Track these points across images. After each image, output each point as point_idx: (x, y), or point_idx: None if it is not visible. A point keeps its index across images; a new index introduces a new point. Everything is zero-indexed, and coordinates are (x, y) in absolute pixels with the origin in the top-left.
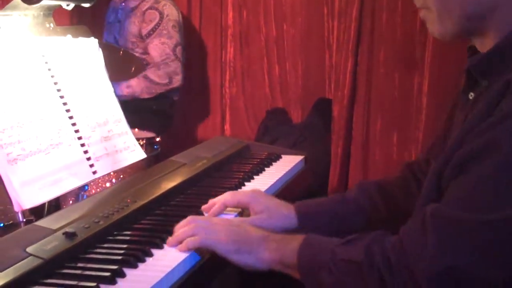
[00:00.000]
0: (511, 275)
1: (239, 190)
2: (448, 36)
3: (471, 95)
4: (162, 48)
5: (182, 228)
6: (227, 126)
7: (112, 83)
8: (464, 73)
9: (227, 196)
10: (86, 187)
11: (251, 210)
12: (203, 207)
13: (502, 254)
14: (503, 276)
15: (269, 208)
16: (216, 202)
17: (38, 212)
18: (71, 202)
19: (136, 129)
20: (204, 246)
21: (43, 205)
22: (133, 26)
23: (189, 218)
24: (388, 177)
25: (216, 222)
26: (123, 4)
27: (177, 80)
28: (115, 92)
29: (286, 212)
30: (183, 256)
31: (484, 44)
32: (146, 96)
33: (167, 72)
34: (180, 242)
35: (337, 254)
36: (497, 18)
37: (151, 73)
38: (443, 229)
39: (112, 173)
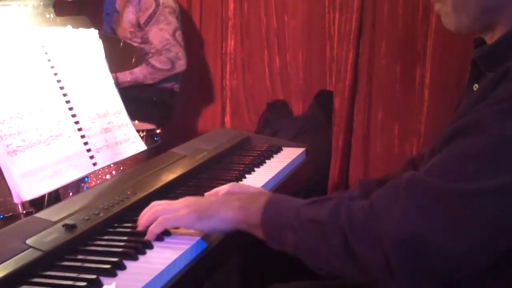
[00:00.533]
0: (476, 252)
1: (241, 182)
2: (464, 29)
3: (475, 87)
4: (161, 35)
5: (145, 214)
6: (227, 118)
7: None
8: (470, 64)
9: (233, 187)
10: (86, 179)
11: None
12: (207, 194)
13: (471, 229)
14: (469, 253)
15: None
16: (220, 190)
17: (38, 204)
18: (71, 194)
19: (137, 121)
20: (168, 226)
21: (43, 197)
22: (130, 15)
23: (152, 204)
24: (390, 173)
25: (176, 202)
26: None
27: (181, 65)
28: (118, 78)
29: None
30: (183, 248)
31: (493, 38)
32: (150, 82)
33: (169, 57)
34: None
35: (301, 214)
36: (508, 10)
37: (153, 60)
38: (417, 194)
39: (112, 165)
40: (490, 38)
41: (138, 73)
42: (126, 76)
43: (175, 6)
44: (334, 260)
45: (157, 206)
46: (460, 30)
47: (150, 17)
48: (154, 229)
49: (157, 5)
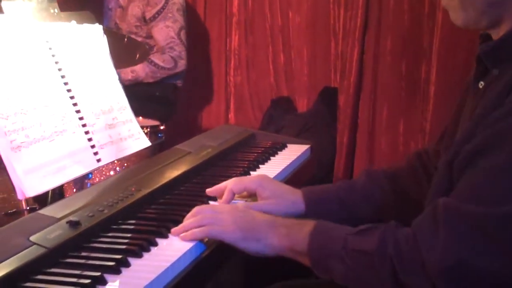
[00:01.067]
0: None
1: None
2: (471, 24)
3: (481, 84)
4: (166, 32)
5: (189, 219)
6: (231, 115)
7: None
8: (475, 61)
9: (234, 183)
10: (90, 175)
11: (258, 196)
12: (208, 190)
13: (510, 248)
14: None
15: (275, 194)
16: (222, 187)
17: (41, 200)
18: (74, 190)
19: (140, 117)
20: (211, 236)
21: (46, 193)
22: (136, 10)
23: (196, 209)
24: (395, 165)
25: (222, 211)
26: None
27: (182, 65)
28: (119, 77)
29: (293, 197)
30: (188, 245)
31: (499, 34)
32: (150, 80)
33: (172, 56)
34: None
35: (349, 243)
36: None
37: (155, 57)
38: (455, 222)
39: (116, 162)
40: (496, 34)
41: (140, 71)
42: (128, 74)
43: (182, 3)
44: None
45: (203, 213)
46: (468, 25)
47: (158, 12)
48: (197, 235)
49: (167, 1)
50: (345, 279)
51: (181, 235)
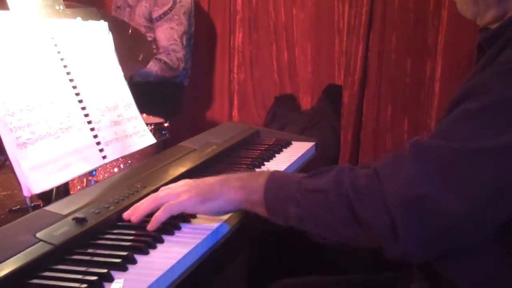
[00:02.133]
0: (478, 214)
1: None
2: (480, 17)
3: None
4: (170, 33)
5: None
6: (235, 112)
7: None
8: (476, 49)
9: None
10: (94, 172)
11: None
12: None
13: (475, 187)
14: (473, 212)
15: None
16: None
17: (46, 197)
18: (78, 187)
19: (145, 114)
20: (172, 212)
21: (51, 190)
22: (143, 9)
23: (150, 195)
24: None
25: (175, 187)
26: None
27: (182, 67)
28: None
29: None
30: (194, 243)
31: None
32: (157, 79)
33: (177, 57)
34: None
35: (303, 185)
36: None
37: (164, 56)
38: (419, 156)
39: (120, 159)
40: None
41: (152, 67)
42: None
43: (190, 6)
44: (339, 227)
45: (157, 197)
46: (476, 17)
47: (165, 13)
48: (159, 217)
49: (174, 2)
50: (301, 222)
51: (148, 226)
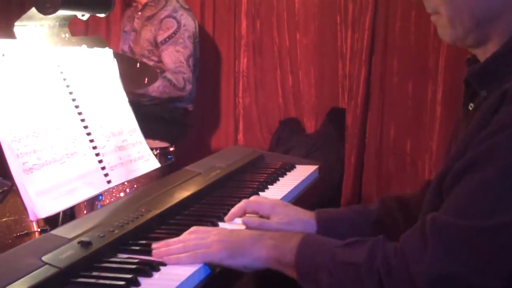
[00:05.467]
0: (509, 283)
1: (262, 196)
2: (459, 41)
3: (471, 106)
4: (176, 56)
5: (175, 243)
6: (240, 136)
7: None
8: (463, 84)
9: (248, 204)
10: (101, 197)
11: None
12: (226, 217)
13: (499, 262)
14: (501, 284)
15: (288, 215)
16: (237, 207)
17: (52, 221)
18: (85, 212)
19: (150, 139)
20: (197, 261)
21: (57, 214)
22: (148, 34)
23: (183, 235)
24: (409, 193)
25: (208, 236)
26: (140, 13)
27: (189, 89)
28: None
29: (305, 218)
30: (197, 265)
31: (485, 54)
32: (159, 95)
33: (183, 78)
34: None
35: (337, 256)
36: (501, 25)
37: (168, 74)
38: (442, 235)
39: (126, 183)
40: (482, 54)
41: (158, 86)
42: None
43: (194, 31)
44: None
45: (188, 240)
46: (455, 42)
47: (169, 37)
48: (182, 261)
49: (179, 26)
50: None
51: (165, 260)
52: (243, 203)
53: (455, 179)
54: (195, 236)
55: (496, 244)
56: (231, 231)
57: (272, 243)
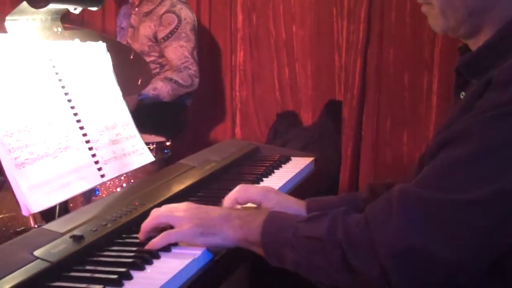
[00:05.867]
0: (471, 259)
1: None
2: (450, 31)
3: (462, 95)
4: (181, 51)
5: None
6: (237, 130)
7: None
8: (455, 73)
9: (239, 193)
10: (97, 192)
11: (263, 207)
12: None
13: (464, 237)
14: (465, 261)
15: (280, 203)
16: (228, 198)
17: (49, 217)
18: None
19: (147, 134)
20: (171, 241)
21: (54, 210)
22: (148, 30)
23: (153, 211)
24: (398, 179)
25: (177, 209)
26: (136, 9)
27: (197, 83)
28: (142, 94)
29: (296, 207)
30: (190, 258)
31: (477, 44)
32: (168, 99)
33: (189, 75)
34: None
35: (299, 231)
36: (493, 15)
37: (175, 75)
38: (408, 206)
39: (122, 178)
40: (474, 44)
41: (162, 89)
42: (149, 92)
43: (194, 21)
44: (334, 275)
45: (159, 214)
46: (446, 32)
47: (171, 32)
48: (156, 243)
49: (179, 21)
50: (296, 266)
51: (146, 246)
52: (232, 194)
53: (433, 151)
54: (168, 209)
55: (464, 219)
56: (199, 207)
57: (239, 223)
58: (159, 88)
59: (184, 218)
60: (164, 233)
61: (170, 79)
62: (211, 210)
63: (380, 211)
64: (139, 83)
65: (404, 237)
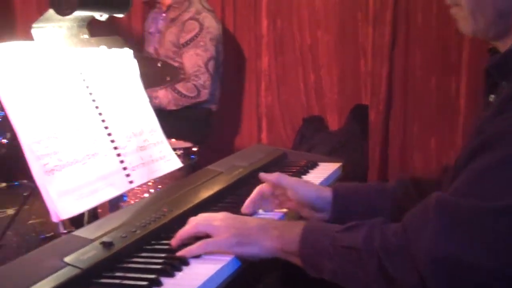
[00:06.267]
0: (509, 266)
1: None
2: (479, 33)
3: (491, 97)
4: (195, 60)
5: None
6: (263, 135)
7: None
8: (484, 74)
9: (259, 189)
10: (125, 198)
11: (289, 192)
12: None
13: (501, 244)
14: (503, 268)
15: (297, 183)
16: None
17: (78, 223)
18: (110, 213)
19: (173, 139)
20: (208, 250)
21: (82, 216)
22: (172, 36)
23: (190, 219)
24: (427, 176)
25: (215, 218)
26: (164, 14)
27: (205, 94)
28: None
29: (323, 194)
30: (220, 265)
31: (506, 45)
32: (173, 107)
33: (196, 85)
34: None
35: (337, 240)
36: None
37: (179, 86)
38: (445, 214)
39: (150, 184)
40: (503, 46)
41: (163, 98)
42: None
43: (218, 33)
44: (371, 284)
45: (197, 224)
46: (476, 34)
47: (191, 39)
48: (193, 251)
49: (201, 28)
50: (334, 276)
51: (180, 253)
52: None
53: (466, 161)
54: (205, 219)
55: (501, 226)
56: (236, 217)
57: (276, 233)
58: (160, 97)
59: (221, 227)
60: (201, 241)
61: (173, 89)
62: (248, 220)
63: (418, 220)
64: (168, 79)
65: (442, 244)
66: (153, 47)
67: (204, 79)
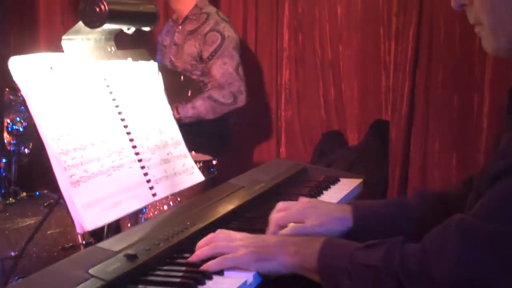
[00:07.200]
0: None
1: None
2: (502, 52)
3: None
4: (224, 69)
5: (201, 247)
6: (282, 149)
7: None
8: (507, 95)
9: (278, 215)
10: (144, 210)
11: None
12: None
13: None
14: None
15: (320, 216)
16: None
17: (97, 234)
18: (129, 225)
19: (193, 152)
20: (225, 266)
21: (102, 227)
22: (193, 49)
23: (210, 236)
24: (449, 188)
25: (235, 238)
26: (180, 27)
27: (242, 100)
28: (179, 113)
29: (338, 215)
30: (242, 280)
31: None
32: (211, 116)
33: (232, 92)
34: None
35: (356, 259)
36: None
37: (215, 93)
38: (466, 237)
39: (169, 196)
40: None
41: (201, 107)
42: (188, 111)
43: (237, 40)
44: None
45: (216, 241)
46: (498, 53)
47: (215, 50)
48: (211, 267)
49: (223, 39)
50: None
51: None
52: (273, 218)
53: (489, 183)
54: (222, 238)
55: None
56: (255, 237)
57: (294, 249)
58: (198, 106)
59: (240, 245)
60: (220, 258)
61: (210, 97)
62: (267, 238)
63: (438, 242)
64: (189, 94)
65: (463, 268)
66: (168, 60)
67: (238, 85)
